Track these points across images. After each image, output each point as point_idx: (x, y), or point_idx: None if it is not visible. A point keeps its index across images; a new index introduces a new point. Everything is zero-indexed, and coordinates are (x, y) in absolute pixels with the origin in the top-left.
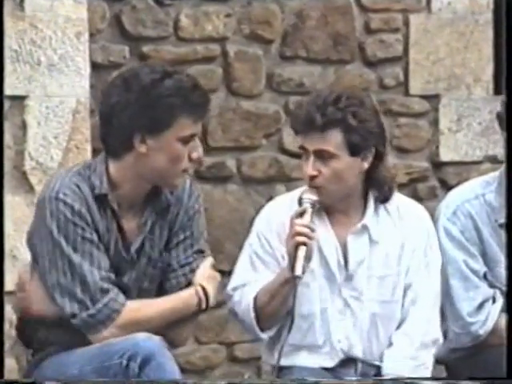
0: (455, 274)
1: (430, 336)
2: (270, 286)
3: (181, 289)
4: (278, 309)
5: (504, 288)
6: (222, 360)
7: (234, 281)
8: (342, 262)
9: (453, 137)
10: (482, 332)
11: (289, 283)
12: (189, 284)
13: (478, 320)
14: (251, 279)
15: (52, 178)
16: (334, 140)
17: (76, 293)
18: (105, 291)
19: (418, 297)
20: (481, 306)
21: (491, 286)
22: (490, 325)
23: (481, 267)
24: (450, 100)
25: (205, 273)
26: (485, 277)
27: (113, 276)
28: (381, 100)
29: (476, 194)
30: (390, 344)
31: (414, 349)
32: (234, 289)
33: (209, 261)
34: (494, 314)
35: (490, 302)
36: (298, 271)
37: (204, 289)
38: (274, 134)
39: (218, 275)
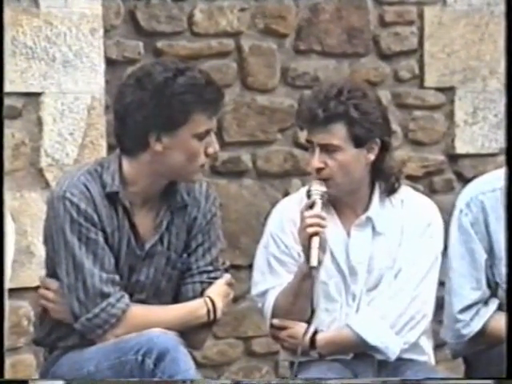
0: (458, 268)
1: (412, 310)
2: (289, 287)
3: (195, 296)
4: (303, 307)
5: (505, 285)
6: (240, 355)
7: (254, 287)
8: (346, 256)
9: (468, 129)
10: (465, 332)
11: (307, 277)
12: (202, 293)
13: (463, 319)
14: (270, 285)
15: (62, 177)
16: (337, 133)
17: (79, 295)
18: (105, 295)
19: (400, 271)
20: (471, 306)
21: (490, 285)
22: (474, 327)
23: (484, 262)
24: (465, 92)
25: (219, 289)
26: (492, 272)
27: (117, 278)
28: (396, 93)
29: (494, 186)
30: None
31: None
32: (256, 296)
33: (225, 278)
34: (482, 316)
35: (482, 303)
36: (314, 262)
37: (212, 301)
38: (289, 128)
39: (231, 293)
